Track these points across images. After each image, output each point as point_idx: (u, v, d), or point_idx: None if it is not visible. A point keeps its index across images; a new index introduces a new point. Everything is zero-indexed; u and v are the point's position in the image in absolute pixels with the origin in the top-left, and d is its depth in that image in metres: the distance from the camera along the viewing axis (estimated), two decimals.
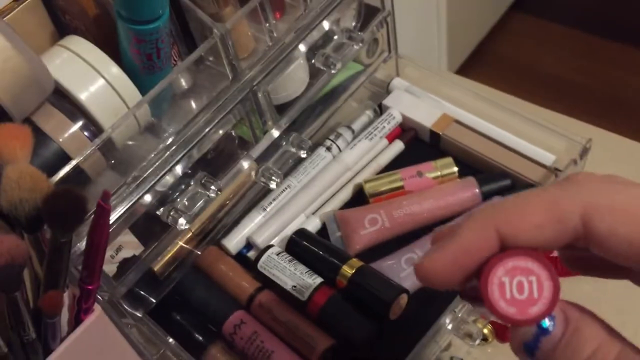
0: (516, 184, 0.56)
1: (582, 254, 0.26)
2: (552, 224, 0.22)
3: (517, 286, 0.23)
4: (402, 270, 0.51)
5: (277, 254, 0.52)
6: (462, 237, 0.24)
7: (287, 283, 0.51)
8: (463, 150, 0.59)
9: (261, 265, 0.52)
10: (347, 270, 0.51)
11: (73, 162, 0.40)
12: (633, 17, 1.67)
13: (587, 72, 1.59)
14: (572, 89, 1.57)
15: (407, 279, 0.51)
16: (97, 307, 0.42)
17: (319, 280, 0.50)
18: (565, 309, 0.23)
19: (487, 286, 0.23)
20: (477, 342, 0.48)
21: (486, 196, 0.55)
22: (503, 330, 0.51)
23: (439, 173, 0.57)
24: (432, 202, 0.55)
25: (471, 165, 0.58)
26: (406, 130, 0.62)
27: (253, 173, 0.55)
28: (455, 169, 0.57)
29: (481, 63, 1.64)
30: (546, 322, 0.23)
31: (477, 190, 0.55)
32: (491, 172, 0.57)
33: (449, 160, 0.58)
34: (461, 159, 0.58)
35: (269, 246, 0.54)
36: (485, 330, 0.50)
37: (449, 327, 0.48)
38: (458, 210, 0.55)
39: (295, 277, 0.51)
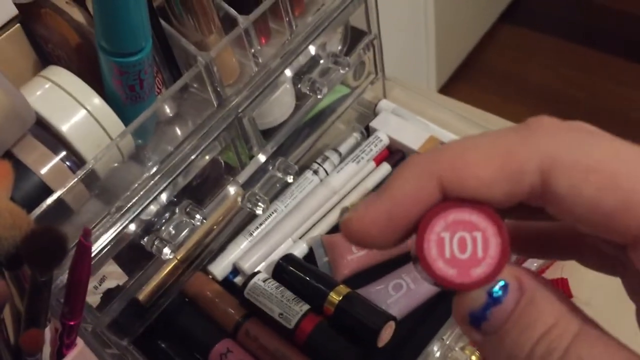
0: None
1: (529, 224, 0.23)
2: (505, 179, 0.19)
3: (459, 243, 0.19)
4: (389, 296, 0.50)
5: (264, 281, 0.52)
6: (396, 188, 0.20)
7: (273, 310, 0.50)
8: None
9: (247, 292, 0.51)
10: (334, 296, 0.50)
11: (54, 195, 0.40)
12: (620, 27, 1.69)
13: (575, 82, 1.60)
14: (560, 99, 1.58)
15: (395, 305, 0.50)
16: (79, 342, 0.41)
17: (306, 307, 0.50)
18: (521, 277, 0.19)
19: (423, 243, 0.19)
20: None
21: None
22: None
23: None
24: None
25: None
26: (393, 153, 0.62)
27: (239, 199, 0.54)
28: None
29: (470, 74, 1.64)
30: (498, 290, 0.19)
31: None
32: None
33: None
34: None
35: (255, 273, 0.53)
36: (473, 358, 0.50)
37: (437, 354, 0.48)
38: None
39: (282, 304, 0.50)
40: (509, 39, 1.72)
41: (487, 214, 0.19)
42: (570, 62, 1.64)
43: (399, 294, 0.50)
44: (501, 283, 0.19)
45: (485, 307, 0.19)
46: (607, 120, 1.49)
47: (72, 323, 0.39)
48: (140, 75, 0.41)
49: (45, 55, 0.46)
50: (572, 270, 0.53)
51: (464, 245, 0.19)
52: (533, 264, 0.55)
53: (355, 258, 0.54)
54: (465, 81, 1.63)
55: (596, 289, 0.48)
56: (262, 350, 0.50)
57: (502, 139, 0.19)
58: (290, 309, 0.50)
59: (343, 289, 0.51)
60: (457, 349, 0.49)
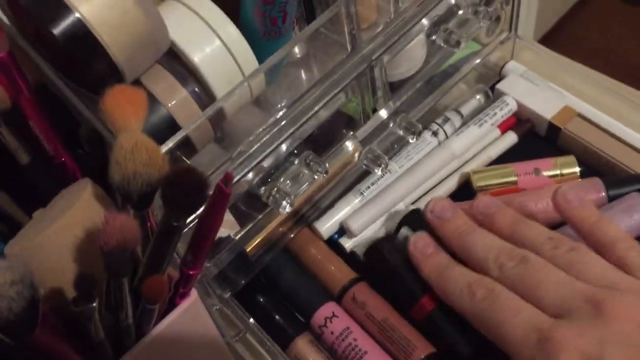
0: None
1: None
2: None
3: None
4: None
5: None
6: None
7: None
8: (586, 148, 0.53)
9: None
10: None
11: (183, 132, 0.36)
12: None
13: None
14: None
15: None
16: (193, 292, 0.38)
17: None
18: None
19: None
20: None
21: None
22: None
23: (558, 172, 0.52)
24: (550, 203, 0.49)
25: (595, 168, 0.52)
26: (522, 122, 0.56)
27: (357, 155, 0.50)
28: (578, 169, 0.51)
29: (557, 44, 1.55)
30: None
31: (603, 194, 0.49)
32: (618, 175, 0.51)
33: (572, 158, 0.52)
34: (582, 159, 0.52)
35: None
36: None
37: None
38: None
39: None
40: (601, 9, 1.61)
41: None
42: None
43: None
44: None
45: None
46: None
47: (192, 272, 0.36)
48: (285, 7, 0.37)
49: None
50: None
51: None
52: None
53: None
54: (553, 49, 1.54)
55: None
56: (369, 319, 0.46)
57: None
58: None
59: None
60: None
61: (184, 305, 0.38)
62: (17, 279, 0.26)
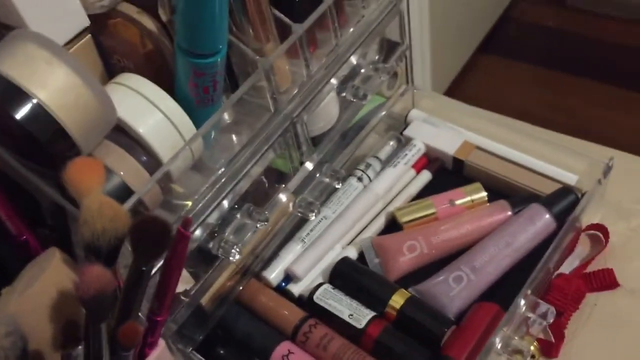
0: None
1: None
2: None
3: None
4: (451, 289, 0.52)
5: (333, 289, 0.53)
6: None
7: (343, 312, 0.51)
8: (488, 175, 0.61)
9: (317, 297, 0.52)
10: (397, 301, 0.51)
11: (137, 196, 0.40)
12: (588, 52, 1.75)
13: (552, 105, 1.64)
14: (538, 121, 1.62)
15: (458, 299, 0.51)
16: (161, 341, 0.41)
17: (372, 313, 0.51)
18: None
19: None
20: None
21: None
22: (548, 346, 0.52)
23: (469, 198, 0.59)
24: (468, 227, 0.56)
25: (497, 190, 0.60)
26: (433, 161, 0.64)
27: (291, 205, 0.55)
28: (485, 193, 0.59)
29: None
30: None
31: (510, 213, 0.56)
32: (519, 194, 0.59)
33: (478, 185, 0.59)
34: (486, 184, 0.60)
35: (322, 283, 0.54)
36: (532, 347, 0.51)
37: (499, 345, 0.49)
38: (491, 232, 0.56)
39: (352, 307, 0.51)
40: (487, 68, 1.78)
41: None
42: (545, 85, 1.70)
43: (461, 286, 0.51)
44: None
45: None
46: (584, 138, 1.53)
47: (159, 319, 0.39)
48: (215, 77, 0.43)
49: (110, 68, 0.47)
50: (616, 261, 0.55)
51: None
52: (575, 259, 0.57)
53: (407, 260, 0.55)
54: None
55: None
56: (323, 351, 0.50)
57: None
58: (360, 311, 0.51)
59: (404, 293, 0.52)
60: (516, 338, 0.50)
61: (153, 355, 0.41)
62: (11, 331, 0.29)
